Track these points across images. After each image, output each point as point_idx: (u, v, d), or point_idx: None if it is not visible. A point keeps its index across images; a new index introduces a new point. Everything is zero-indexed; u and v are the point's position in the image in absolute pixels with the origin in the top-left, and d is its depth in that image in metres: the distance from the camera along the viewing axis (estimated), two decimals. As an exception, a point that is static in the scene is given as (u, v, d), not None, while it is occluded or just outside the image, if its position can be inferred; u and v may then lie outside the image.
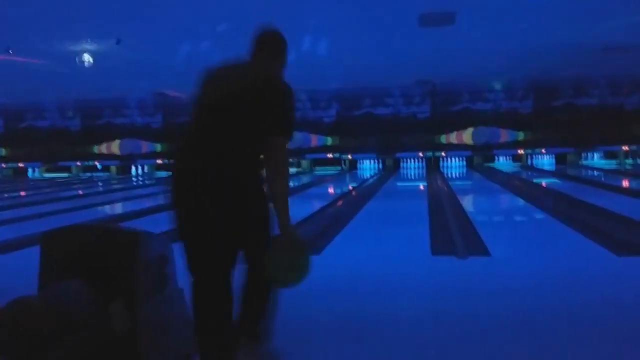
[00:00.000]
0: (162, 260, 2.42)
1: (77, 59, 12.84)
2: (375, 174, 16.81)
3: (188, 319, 2.55)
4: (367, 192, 11.45)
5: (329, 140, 19.37)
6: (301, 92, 18.89)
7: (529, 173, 15.78)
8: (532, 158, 18.75)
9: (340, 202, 9.68)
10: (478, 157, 18.69)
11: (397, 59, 13.86)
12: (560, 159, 18.52)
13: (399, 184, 14.04)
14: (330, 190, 12.83)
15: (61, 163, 20.63)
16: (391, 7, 9.76)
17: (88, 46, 12.24)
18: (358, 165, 19.15)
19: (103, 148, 20.45)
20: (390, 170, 17.93)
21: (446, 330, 2.98)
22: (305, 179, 15.31)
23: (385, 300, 3.52)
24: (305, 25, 9.94)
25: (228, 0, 9.64)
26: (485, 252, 4.88)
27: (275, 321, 2.54)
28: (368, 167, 18.94)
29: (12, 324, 1.90)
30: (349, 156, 19.10)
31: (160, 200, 11.10)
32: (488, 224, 6.58)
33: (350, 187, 13.03)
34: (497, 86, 18.47)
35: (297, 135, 19.23)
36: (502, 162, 18.87)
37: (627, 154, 18.18)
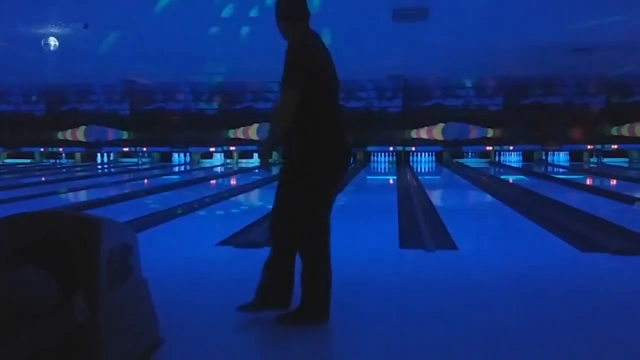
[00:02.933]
0: (126, 250, 2.35)
1: (42, 43, 12.45)
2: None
3: (151, 311, 2.49)
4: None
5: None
6: (271, 83, 18.80)
7: (497, 169, 16.02)
8: (499, 155, 19.06)
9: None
10: (447, 153, 18.90)
11: (369, 53, 13.86)
12: (527, 157, 18.89)
13: (369, 177, 14.10)
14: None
15: (24, 149, 20.10)
16: (365, 1, 9.74)
17: (54, 30, 11.87)
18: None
19: (68, 134, 19.99)
20: (361, 163, 18.00)
21: (413, 323, 2.99)
22: (274, 170, 15.21)
23: (353, 293, 3.51)
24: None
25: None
26: (453, 245, 4.93)
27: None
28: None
29: (-35, 313, 1.81)
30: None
31: (125, 189, 10.93)
32: (456, 218, 6.64)
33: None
34: (468, 83, 18.68)
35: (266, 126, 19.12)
36: (470, 159, 19.13)
37: (591, 153, 18.65)
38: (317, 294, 2.91)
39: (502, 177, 13.59)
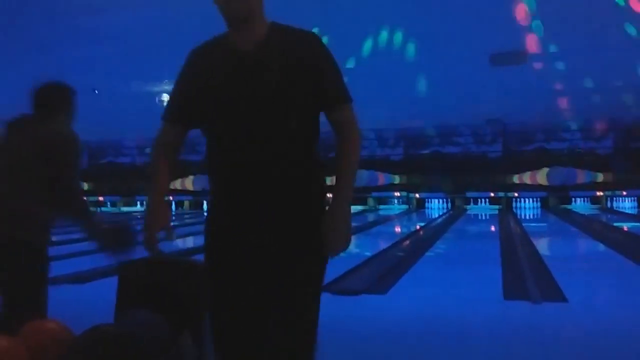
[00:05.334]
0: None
1: (157, 100, 13.56)
2: (444, 214, 16.49)
3: None
4: (435, 232, 11.23)
5: (397, 179, 19.26)
6: (369, 130, 19.03)
7: (609, 216, 14.97)
8: (611, 200, 17.82)
9: (407, 242, 9.53)
10: (553, 198, 17.98)
11: (467, 98, 13.71)
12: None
13: (468, 224, 13.68)
14: (397, 229, 12.67)
15: (138, 197, 21.63)
16: (463, 46, 9.72)
17: (168, 87, 12.91)
18: (426, 204, 18.87)
19: (177, 184, 21.31)
20: (460, 210, 17.54)
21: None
22: (370, 217, 15.21)
23: (454, 345, 3.40)
24: (374, 64, 10.06)
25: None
26: (561, 297, 4.64)
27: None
28: (436, 206, 18.62)
29: (89, 351, 1.97)
30: (417, 195, 18.88)
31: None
32: (565, 268, 6.26)
33: (418, 227, 12.82)
34: (574, 125, 17.85)
35: (364, 173, 19.29)
36: (580, 205, 18.04)
37: None
38: None
39: (615, 224, 12.66)
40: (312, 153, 1.78)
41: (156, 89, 13.14)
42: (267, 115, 1.69)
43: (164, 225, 1.84)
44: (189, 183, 21.25)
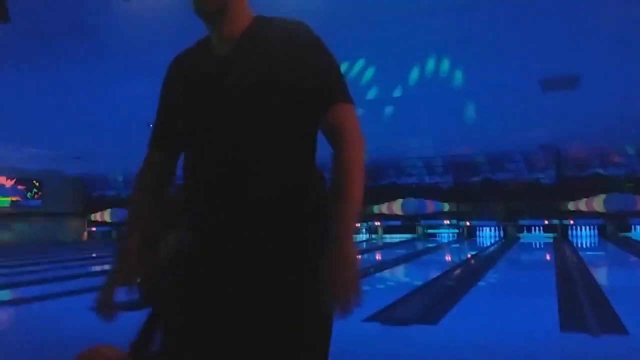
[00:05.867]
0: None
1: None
2: (495, 242, 16.09)
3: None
4: (487, 261, 10.96)
5: (446, 206, 19.00)
6: (417, 159, 18.92)
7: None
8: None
9: (458, 271, 9.35)
10: (611, 226, 17.28)
11: (518, 124, 13.47)
12: None
13: (522, 253, 13.30)
14: (447, 258, 12.44)
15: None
16: (512, 72, 9.60)
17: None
18: (477, 232, 18.48)
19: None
20: (512, 238, 17.07)
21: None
22: (419, 246, 15.01)
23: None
24: (421, 91, 10.04)
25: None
26: (622, 329, 4.44)
27: None
28: (488, 234, 18.21)
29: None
30: (467, 223, 18.53)
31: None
32: (625, 299, 5.98)
33: (469, 255, 12.55)
34: (631, 150, 17.21)
35: (412, 201, 19.11)
36: (640, 232, 17.27)
37: None
38: None
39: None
40: (308, 177, 1.41)
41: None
42: (245, 132, 1.34)
43: (126, 282, 1.46)
44: (106, 215, 21.60)
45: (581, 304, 5.60)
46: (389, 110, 12.04)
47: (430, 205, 19.07)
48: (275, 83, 1.34)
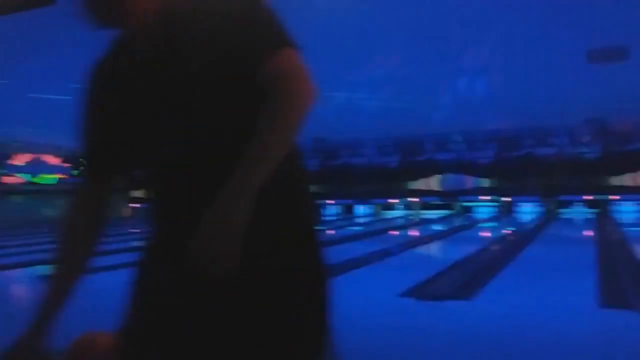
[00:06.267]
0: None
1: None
2: (536, 218, 15.81)
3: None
4: (526, 237, 10.80)
5: (486, 182, 18.73)
6: (457, 133, 18.65)
7: None
8: None
9: (495, 247, 9.25)
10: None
11: (563, 97, 13.09)
12: None
13: (562, 229, 13.03)
14: (485, 234, 12.31)
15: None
16: (558, 44, 9.30)
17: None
18: (517, 208, 18.19)
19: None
20: (553, 214, 16.72)
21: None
22: (457, 222, 14.87)
23: (545, 355, 3.27)
24: (467, 65, 9.85)
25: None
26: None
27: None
28: (528, 210, 17.89)
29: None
30: (507, 199, 18.25)
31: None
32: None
33: (508, 231, 12.38)
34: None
35: (450, 177, 18.92)
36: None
37: None
38: None
39: None
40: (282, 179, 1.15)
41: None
42: (188, 128, 1.14)
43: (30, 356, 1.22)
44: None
45: (621, 281, 5.48)
46: (428, 84, 11.87)
47: (470, 181, 18.83)
48: (215, 65, 1.12)
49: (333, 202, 20.63)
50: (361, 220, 18.22)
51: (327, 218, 18.79)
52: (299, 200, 1.22)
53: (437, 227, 13.47)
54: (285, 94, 1.10)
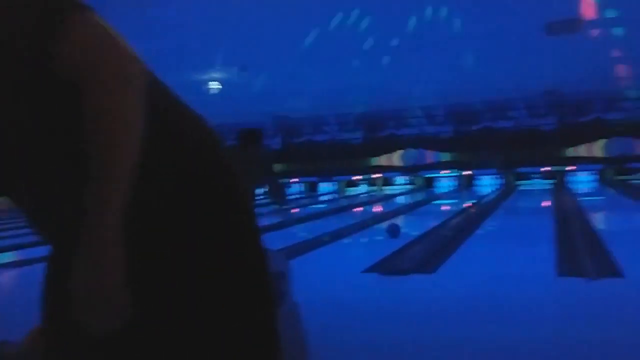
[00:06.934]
0: (280, 277, 2.50)
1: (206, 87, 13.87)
2: (494, 191, 16.15)
3: (303, 337, 2.61)
4: (485, 209, 11.03)
5: (446, 156, 18.99)
6: (417, 108, 18.78)
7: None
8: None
9: (456, 220, 9.41)
10: (611, 170, 17.31)
11: (521, 70, 13.28)
12: None
13: (520, 200, 13.36)
14: (446, 207, 12.52)
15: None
16: (516, 17, 9.38)
17: (216, 74, 13.15)
18: (476, 181, 18.54)
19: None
20: (511, 186, 17.12)
21: (573, 358, 2.78)
22: (418, 196, 15.07)
23: (505, 324, 3.35)
24: (420, 38, 9.83)
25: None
26: (617, 273, 4.49)
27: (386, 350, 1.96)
28: (487, 183, 18.26)
29: None
30: (467, 172, 18.57)
31: (277, 217, 11.54)
32: (622, 243, 6.04)
33: (467, 204, 12.62)
34: (632, 94, 17.05)
35: (412, 152, 19.10)
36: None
37: None
38: None
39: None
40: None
41: (204, 77, 13.39)
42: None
43: None
44: None
45: (578, 250, 5.65)
46: (386, 59, 11.86)
47: (430, 155, 19.07)
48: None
49: (297, 180, 20.60)
50: (325, 197, 18.27)
51: (292, 196, 18.78)
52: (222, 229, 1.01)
53: (399, 202, 13.62)
54: (92, 99, 0.84)
